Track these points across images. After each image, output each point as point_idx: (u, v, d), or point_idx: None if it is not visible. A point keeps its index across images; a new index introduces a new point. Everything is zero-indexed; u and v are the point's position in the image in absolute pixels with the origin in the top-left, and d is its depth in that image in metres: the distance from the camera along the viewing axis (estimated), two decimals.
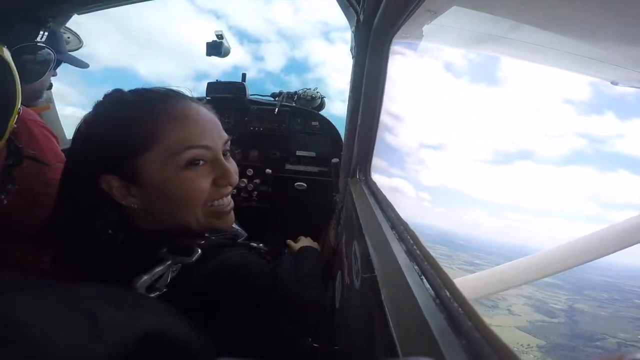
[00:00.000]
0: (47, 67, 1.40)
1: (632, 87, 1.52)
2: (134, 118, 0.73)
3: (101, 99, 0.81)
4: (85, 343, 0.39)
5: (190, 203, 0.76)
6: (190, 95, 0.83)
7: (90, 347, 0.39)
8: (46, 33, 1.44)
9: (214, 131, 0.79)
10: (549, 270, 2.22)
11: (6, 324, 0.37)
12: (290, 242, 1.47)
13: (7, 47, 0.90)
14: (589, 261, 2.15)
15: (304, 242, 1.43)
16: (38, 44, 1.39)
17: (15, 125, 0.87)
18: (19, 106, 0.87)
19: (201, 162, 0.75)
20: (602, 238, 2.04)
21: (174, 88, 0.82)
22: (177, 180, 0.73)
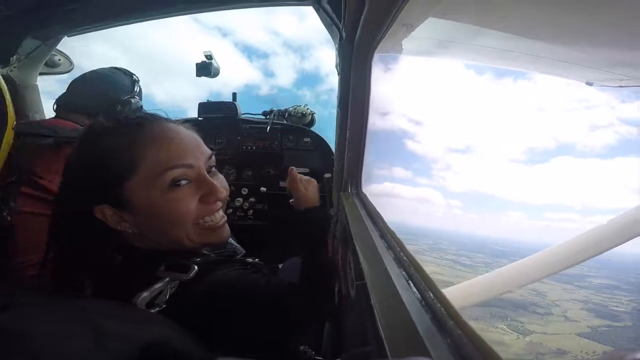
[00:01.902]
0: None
1: (607, 86, 1.57)
2: (114, 146, 0.75)
3: (82, 133, 0.83)
4: (92, 352, 0.41)
5: (178, 223, 0.77)
6: (166, 117, 0.85)
7: (96, 356, 0.41)
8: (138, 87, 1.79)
9: (194, 149, 0.80)
10: (546, 271, 2.24)
11: (19, 335, 0.39)
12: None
13: None
14: (585, 260, 2.18)
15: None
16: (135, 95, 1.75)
17: (11, 141, 0.89)
18: (13, 120, 0.88)
19: (183, 182, 0.77)
20: (595, 236, 2.08)
21: (150, 111, 0.85)
22: (164, 202, 0.75)
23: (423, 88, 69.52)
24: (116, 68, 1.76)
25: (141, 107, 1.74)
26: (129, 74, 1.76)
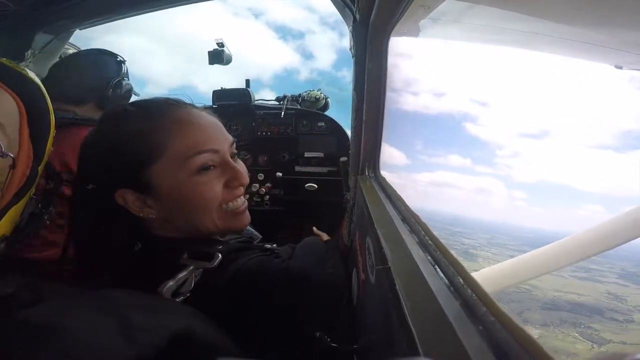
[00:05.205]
0: (130, 96, 1.65)
1: (637, 69, 1.52)
2: (139, 129, 0.75)
3: (103, 116, 0.83)
4: (119, 345, 0.41)
5: (205, 207, 0.77)
6: (190, 102, 0.85)
7: (123, 348, 0.41)
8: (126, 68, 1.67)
9: (219, 134, 0.81)
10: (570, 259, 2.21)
11: (46, 329, 0.40)
12: (316, 231, 1.46)
13: None
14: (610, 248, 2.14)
15: (325, 236, 1.42)
16: (124, 77, 1.62)
17: (51, 149, 0.90)
18: (53, 130, 0.89)
19: (211, 167, 0.77)
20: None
21: (172, 96, 0.84)
22: (191, 185, 0.74)
23: (490, 70, 64.79)
24: (99, 50, 1.65)
25: (132, 89, 1.65)
26: (114, 55, 1.65)
